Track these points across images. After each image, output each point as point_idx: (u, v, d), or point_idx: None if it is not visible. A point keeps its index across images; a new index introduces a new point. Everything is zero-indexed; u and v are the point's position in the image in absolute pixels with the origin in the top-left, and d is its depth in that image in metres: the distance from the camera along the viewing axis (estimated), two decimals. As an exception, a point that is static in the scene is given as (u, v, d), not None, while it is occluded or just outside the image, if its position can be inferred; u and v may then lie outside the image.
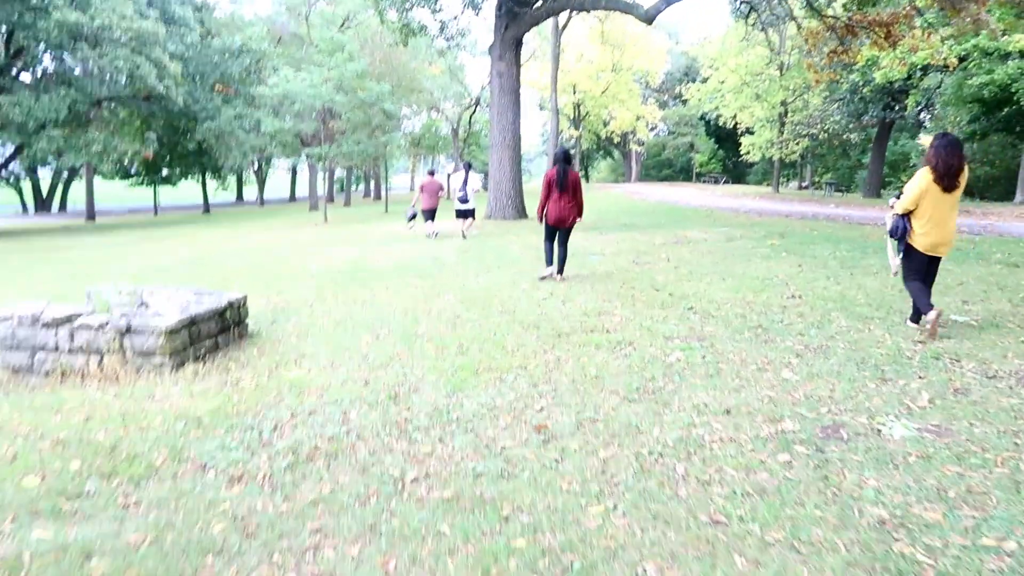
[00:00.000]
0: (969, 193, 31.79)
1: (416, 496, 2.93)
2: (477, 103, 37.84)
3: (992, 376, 4.17)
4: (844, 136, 33.62)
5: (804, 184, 45.71)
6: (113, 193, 52.02)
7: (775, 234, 12.06)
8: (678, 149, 56.51)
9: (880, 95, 27.66)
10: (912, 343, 4.94)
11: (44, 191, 49.17)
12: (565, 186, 7.87)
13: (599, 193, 35.95)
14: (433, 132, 42.69)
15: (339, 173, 53.31)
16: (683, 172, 58.50)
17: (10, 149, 29.37)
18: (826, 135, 35.09)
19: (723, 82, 36.45)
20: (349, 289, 8.23)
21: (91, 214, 36.76)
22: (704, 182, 52.03)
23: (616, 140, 53.51)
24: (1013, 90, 18.54)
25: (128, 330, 5.02)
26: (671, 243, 11.38)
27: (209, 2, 34.64)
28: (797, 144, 34.12)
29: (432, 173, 15.59)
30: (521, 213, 18.26)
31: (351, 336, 5.89)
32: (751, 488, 2.87)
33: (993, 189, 30.89)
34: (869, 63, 19.37)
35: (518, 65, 18.56)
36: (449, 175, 33.94)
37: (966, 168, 5.05)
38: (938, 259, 5.30)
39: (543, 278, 8.19)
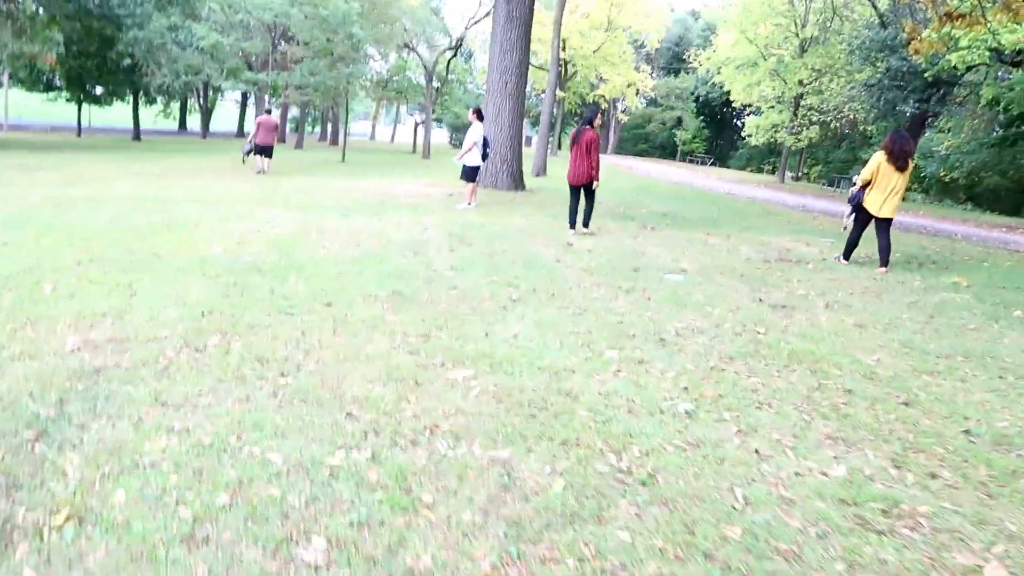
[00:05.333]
0: (976, 202, 29.15)
1: None
2: (459, 46, 33.11)
3: None
4: (862, 128, 30.37)
5: (796, 176, 42.57)
6: (43, 108, 44.86)
7: (922, 258, 8.41)
8: (663, 124, 52.67)
9: (923, 85, 24.35)
10: None
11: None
12: (577, 142, 8.13)
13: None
14: (403, 75, 37.76)
15: (293, 112, 47.71)
16: (662, 148, 54.70)
17: None
18: (838, 124, 31.85)
19: (732, 53, 32.72)
20: (260, 318, 4.18)
21: (-8, 129, 31.09)
22: (690, 161, 48.56)
23: (603, 106, 49.39)
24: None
25: None
26: (776, 260, 7.58)
27: None
28: (809, 131, 30.74)
29: (269, 112, 17.15)
30: (519, 183, 14.24)
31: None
32: None
33: (1004, 201, 28.40)
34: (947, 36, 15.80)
35: (531, -11, 14.33)
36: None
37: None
38: (882, 220, 7.24)
39: (570, 244, 7.68)
